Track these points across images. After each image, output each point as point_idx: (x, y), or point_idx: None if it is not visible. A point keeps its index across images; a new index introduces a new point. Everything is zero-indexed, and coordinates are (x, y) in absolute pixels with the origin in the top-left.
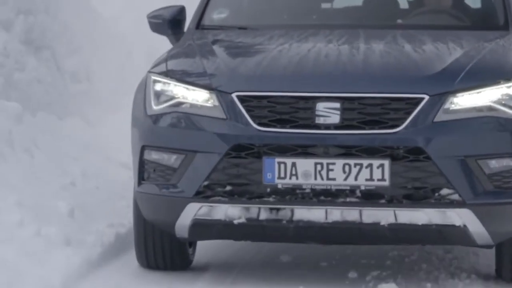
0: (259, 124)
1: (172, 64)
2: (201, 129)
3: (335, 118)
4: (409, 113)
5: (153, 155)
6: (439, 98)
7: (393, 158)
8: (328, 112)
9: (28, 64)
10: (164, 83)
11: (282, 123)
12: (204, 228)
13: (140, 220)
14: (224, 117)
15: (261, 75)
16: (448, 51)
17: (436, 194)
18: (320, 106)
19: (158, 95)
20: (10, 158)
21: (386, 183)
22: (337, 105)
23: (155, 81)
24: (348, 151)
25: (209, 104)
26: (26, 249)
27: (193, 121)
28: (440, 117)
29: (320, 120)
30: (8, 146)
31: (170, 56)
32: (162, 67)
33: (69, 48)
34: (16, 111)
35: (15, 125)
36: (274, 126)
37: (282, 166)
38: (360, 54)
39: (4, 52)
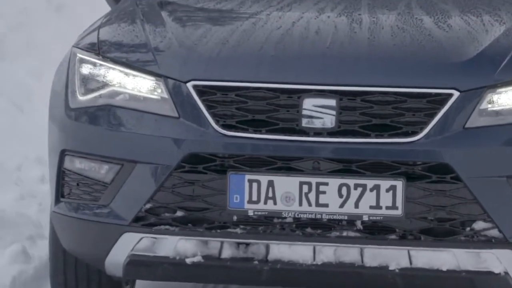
0: (224, 126)
1: (105, 37)
2: (144, 130)
3: (329, 121)
4: (431, 116)
5: (76, 164)
6: (473, 94)
7: (409, 178)
8: (319, 112)
9: (49, 22)
10: (94, 64)
11: (255, 125)
12: (145, 267)
13: (57, 250)
14: (176, 115)
15: (228, 58)
16: (483, 27)
17: (468, 228)
18: (309, 103)
19: (85, 80)
20: (30, 114)
21: (399, 212)
22: (332, 102)
23: (81, 61)
24: (346, 166)
25: (155, 96)
26: (48, 205)
27: (132, 119)
28: (474, 121)
29: (308, 123)
30: (29, 101)
31: (103, 25)
32: (92, 41)
33: (90, 8)
34: (36, 68)
35: (36, 82)
36: (245, 130)
37: (255, 185)
38: (364, 31)
39: (25, 11)
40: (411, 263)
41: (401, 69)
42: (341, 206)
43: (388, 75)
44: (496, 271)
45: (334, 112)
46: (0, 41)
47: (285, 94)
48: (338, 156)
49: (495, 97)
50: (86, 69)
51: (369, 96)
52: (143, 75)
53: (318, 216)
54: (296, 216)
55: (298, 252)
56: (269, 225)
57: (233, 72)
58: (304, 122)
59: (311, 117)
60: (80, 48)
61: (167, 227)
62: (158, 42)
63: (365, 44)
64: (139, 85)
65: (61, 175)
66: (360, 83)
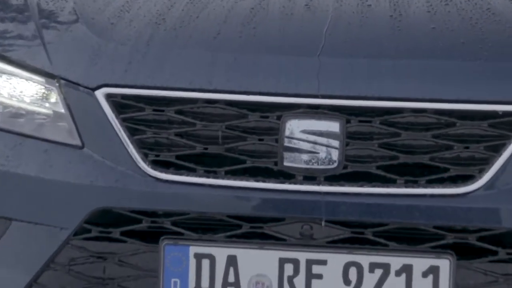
0: (156, 164)
1: None
2: (23, 168)
3: (328, 157)
4: (497, 149)
5: None
6: None
7: (461, 254)
8: (313, 143)
9: None
10: None
11: (208, 163)
12: None
13: None
14: (78, 143)
15: (163, 51)
16: None
17: None
18: (295, 128)
19: None
20: None
21: None
22: (334, 126)
23: None
24: (356, 234)
25: (44, 109)
26: None
27: (5, 148)
28: None
29: (293, 160)
30: None
31: None
32: None
33: None
34: None
35: None
36: (190, 171)
37: (206, 264)
38: (383, 5)
39: None
40: None
41: (448, 71)
42: None
43: (427, 81)
44: None
45: (337, 143)
46: None
47: (256, 111)
48: (343, 217)
49: None
50: None
51: (394, 117)
52: (26, 74)
53: None
54: None
55: None
56: None
57: (172, 75)
58: (288, 159)
59: (298, 150)
60: None
61: None
62: (50, 27)
63: (387, 27)
64: (19, 91)
65: None
66: (380, 94)
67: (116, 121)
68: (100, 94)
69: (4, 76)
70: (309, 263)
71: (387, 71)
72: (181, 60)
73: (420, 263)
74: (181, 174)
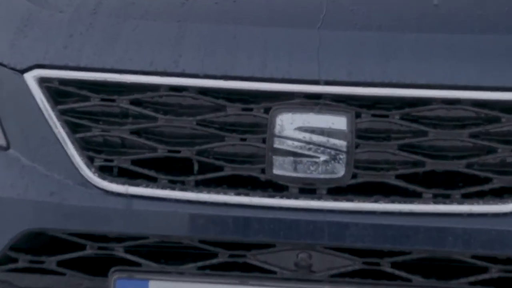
0: (103, 170)
1: None
2: None
3: (333, 162)
4: None
5: None
6: None
7: None
8: (311, 143)
9: None
10: None
11: (174, 171)
12: None
13: None
14: (2, 142)
15: (111, 22)
16: None
17: None
18: (286, 123)
19: None
20: None
21: None
22: (341, 121)
23: None
24: (370, 265)
25: None
26: None
27: None
28: None
29: (285, 167)
30: None
31: None
32: None
33: None
34: None
35: None
36: (150, 181)
37: None
38: None
39: None
40: None
41: (490, 50)
42: None
43: (462, 62)
44: None
45: (343, 144)
46: None
47: (236, 102)
48: (352, 242)
49: None
50: None
51: (419, 110)
52: None
53: None
54: None
55: None
56: None
57: (125, 53)
58: (278, 166)
59: (292, 154)
60: None
61: None
62: None
63: None
64: None
65: None
66: (400, 79)
67: (52, 113)
68: (30, 77)
69: None
70: None
71: (409, 48)
72: (138, 33)
73: None
74: (138, 185)
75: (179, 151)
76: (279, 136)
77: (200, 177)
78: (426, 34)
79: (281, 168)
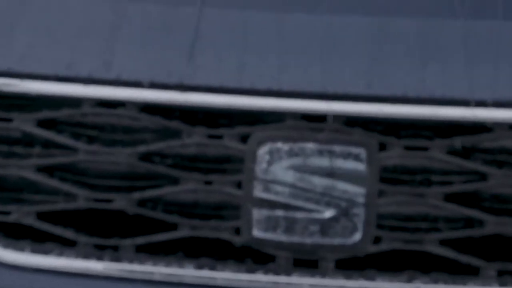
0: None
1: None
2: None
3: (344, 219)
4: None
5: None
6: None
7: None
8: (309, 189)
9: None
10: None
11: (100, 229)
12: None
13: None
14: None
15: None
16: None
17: None
18: (273, 158)
19: None
20: None
21: None
22: (356, 154)
23: None
24: None
25: None
26: None
27: None
28: None
29: (271, 226)
30: None
31: None
32: None
33: None
34: None
35: None
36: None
37: None
38: None
39: None
40: None
41: None
42: None
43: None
44: None
45: (361, 191)
46: None
47: (199, 125)
48: None
49: None
50: None
51: (476, 140)
52: None
53: None
54: None
55: None
56: None
57: (31, 48)
58: (261, 223)
59: (282, 206)
60: None
61: None
62: None
63: None
64: None
65: None
66: (445, 94)
67: None
68: None
69: None
70: None
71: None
72: (49, 20)
73: None
74: (46, 253)
75: (110, 200)
76: (263, 179)
77: (141, 239)
78: (474, 21)
79: (264, 228)
